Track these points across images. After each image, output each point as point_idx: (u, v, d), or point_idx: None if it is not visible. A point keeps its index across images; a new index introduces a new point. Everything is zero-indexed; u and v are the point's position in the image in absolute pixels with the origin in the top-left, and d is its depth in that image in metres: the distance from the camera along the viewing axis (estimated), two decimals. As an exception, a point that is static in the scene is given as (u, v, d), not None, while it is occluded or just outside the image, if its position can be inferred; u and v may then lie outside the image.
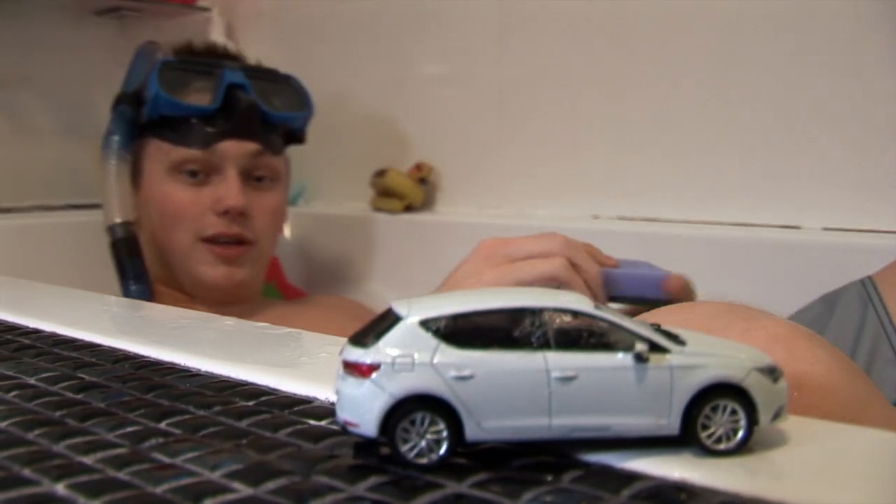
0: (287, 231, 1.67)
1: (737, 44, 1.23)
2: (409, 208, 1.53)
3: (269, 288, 1.53)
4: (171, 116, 1.22)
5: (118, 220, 1.20)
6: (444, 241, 1.47)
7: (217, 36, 1.73)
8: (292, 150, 1.38)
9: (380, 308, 1.27)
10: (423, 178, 1.54)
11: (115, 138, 1.23)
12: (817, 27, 1.17)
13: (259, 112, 1.24)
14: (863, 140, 1.15)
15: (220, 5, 1.79)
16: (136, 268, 1.20)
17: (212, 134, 1.22)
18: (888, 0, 1.11)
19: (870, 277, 0.94)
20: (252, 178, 1.26)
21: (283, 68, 1.35)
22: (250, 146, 1.24)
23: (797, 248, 1.15)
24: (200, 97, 1.23)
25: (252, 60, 1.41)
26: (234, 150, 1.23)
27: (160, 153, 1.24)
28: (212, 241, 1.23)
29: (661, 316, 0.60)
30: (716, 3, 1.25)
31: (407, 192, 1.52)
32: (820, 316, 0.94)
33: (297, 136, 1.36)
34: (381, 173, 1.53)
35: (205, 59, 1.30)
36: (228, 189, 1.22)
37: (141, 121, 1.23)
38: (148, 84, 1.22)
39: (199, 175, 1.23)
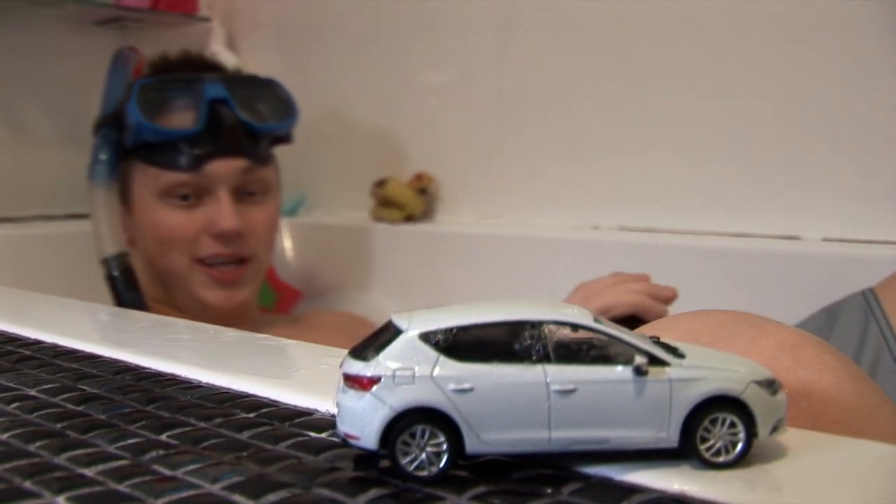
0: (288, 244, 1.67)
1: (737, 54, 1.24)
2: (409, 218, 1.53)
3: (263, 287, 1.53)
4: (155, 141, 1.20)
5: (112, 252, 1.20)
6: (445, 251, 1.47)
7: (218, 46, 1.73)
8: (292, 161, 1.38)
9: (379, 319, 1.28)
10: (424, 188, 1.54)
11: (101, 166, 1.22)
12: (817, 37, 1.17)
13: (244, 127, 1.22)
14: (862, 150, 1.15)
15: (220, 15, 1.79)
16: (135, 301, 1.19)
17: (199, 156, 1.20)
18: (888, 11, 1.12)
19: (871, 289, 0.94)
20: (244, 193, 1.25)
21: (284, 77, 1.35)
22: (239, 163, 1.22)
23: (797, 258, 1.15)
24: (183, 118, 1.21)
25: (250, 68, 1.40)
26: (223, 169, 1.21)
27: (148, 178, 1.23)
28: (209, 263, 1.23)
29: (668, 325, 0.60)
30: (716, 13, 1.25)
31: (407, 202, 1.52)
32: (822, 327, 0.94)
33: (283, 139, 1.33)
34: (381, 183, 1.54)
35: (183, 76, 1.26)
36: (221, 211, 1.21)
37: (125, 145, 1.22)
38: (128, 110, 1.20)
39: (191, 197, 1.22)
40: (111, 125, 1.23)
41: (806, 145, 1.19)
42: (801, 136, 1.19)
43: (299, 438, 0.42)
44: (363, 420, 0.36)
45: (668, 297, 1.03)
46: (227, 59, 1.61)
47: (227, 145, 1.21)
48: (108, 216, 1.21)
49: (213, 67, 1.34)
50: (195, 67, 1.31)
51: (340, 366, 0.38)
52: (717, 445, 0.37)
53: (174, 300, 1.26)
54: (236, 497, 0.35)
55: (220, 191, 1.21)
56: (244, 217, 1.23)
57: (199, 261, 1.23)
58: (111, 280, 1.19)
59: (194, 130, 1.19)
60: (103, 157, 1.22)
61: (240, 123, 1.21)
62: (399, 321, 0.37)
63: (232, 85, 1.23)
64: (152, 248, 1.25)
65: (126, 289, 1.19)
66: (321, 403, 0.48)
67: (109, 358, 0.60)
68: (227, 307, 1.24)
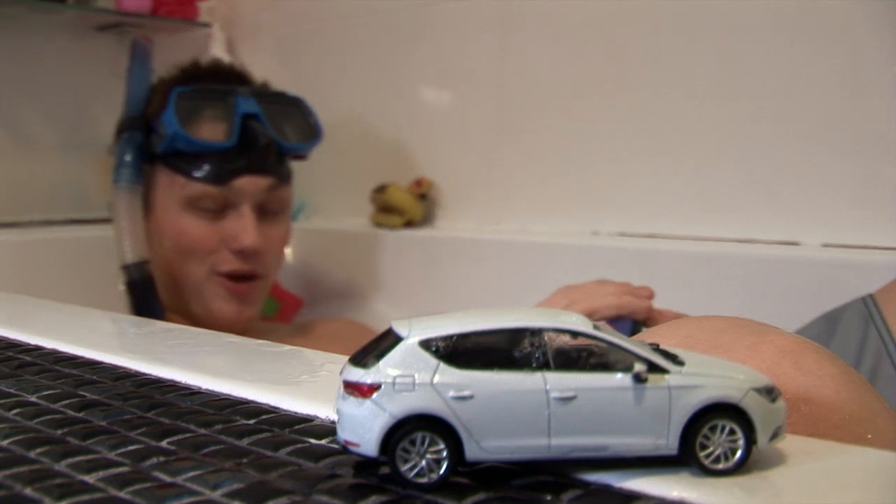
0: (288, 250, 1.67)
1: (737, 60, 1.24)
2: (409, 224, 1.54)
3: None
4: (186, 151, 1.21)
5: (133, 260, 1.19)
6: (444, 257, 1.47)
7: (217, 51, 1.74)
8: (291, 167, 1.38)
9: (379, 324, 1.28)
10: (423, 193, 1.54)
11: (127, 170, 1.21)
12: (817, 44, 1.17)
13: (276, 147, 1.23)
14: (862, 156, 1.15)
15: (220, 21, 1.79)
16: (153, 309, 1.19)
17: (228, 170, 1.21)
18: (888, 17, 1.12)
19: (871, 295, 0.94)
20: (264, 210, 1.25)
21: (283, 84, 1.36)
22: (266, 181, 1.23)
23: (796, 264, 1.15)
24: (215, 131, 1.21)
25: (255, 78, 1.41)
26: (250, 186, 1.22)
27: (175, 186, 1.23)
28: (225, 275, 1.23)
29: (669, 331, 0.60)
30: (715, 21, 1.25)
31: (407, 207, 1.52)
32: (821, 333, 0.94)
33: (300, 155, 1.35)
34: (381, 189, 1.54)
35: (217, 87, 1.26)
36: (244, 227, 1.21)
37: (153, 150, 1.22)
38: (164, 118, 1.20)
39: (215, 209, 1.22)
40: (137, 127, 1.23)
41: (806, 151, 1.19)
42: (800, 142, 1.19)
43: (299, 445, 0.42)
44: (363, 427, 0.36)
45: (647, 296, 1.03)
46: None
47: (258, 162, 1.22)
48: (132, 221, 1.21)
49: (243, 79, 1.34)
50: (226, 78, 1.31)
51: (341, 373, 0.38)
52: (717, 452, 0.37)
53: (186, 308, 1.26)
54: (236, 504, 0.35)
55: (244, 206, 1.22)
56: (263, 234, 1.24)
57: (216, 273, 1.23)
58: (130, 287, 1.19)
59: (228, 145, 1.20)
60: (128, 159, 1.22)
61: (273, 142, 1.22)
62: (399, 328, 0.37)
63: (263, 101, 1.24)
64: (170, 255, 1.25)
65: (146, 297, 1.19)
66: (321, 410, 0.48)
67: (109, 364, 0.60)
68: (237, 321, 1.25)
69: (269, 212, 1.26)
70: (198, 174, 1.21)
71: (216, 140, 1.21)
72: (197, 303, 1.25)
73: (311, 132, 1.31)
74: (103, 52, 1.72)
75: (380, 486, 0.36)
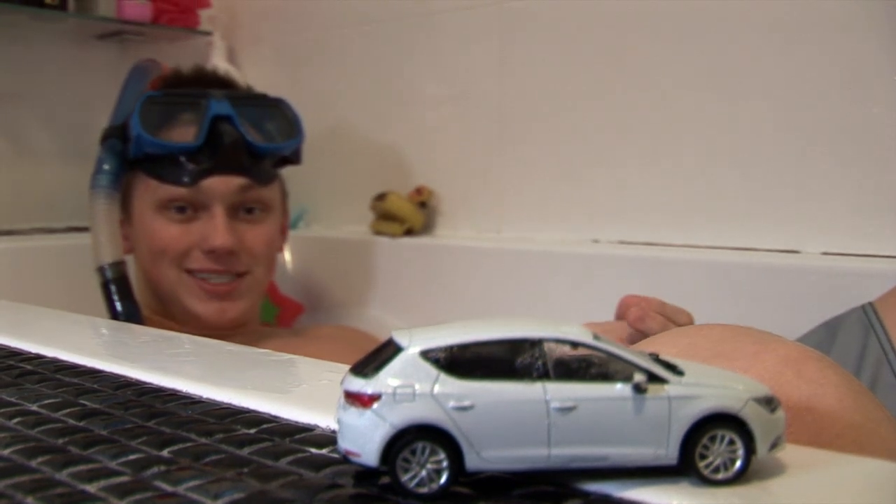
0: (288, 257, 1.67)
1: (737, 69, 1.24)
2: (409, 232, 1.54)
3: (264, 302, 1.53)
4: (156, 154, 1.21)
5: (108, 261, 1.19)
6: (444, 265, 1.47)
7: (218, 60, 1.74)
8: (292, 175, 1.38)
9: (379, 332, 1.27)
10: (424, 201, 1.54)
11: (104, 176, 1.22)
12: (817, 52, 1.17)
13: (245, 145, 1.21)
14: (862, 164, 1.15)
15: (221, 29, 1.80)
16: (128, 309, 1.19)
17: (197, 171, 1.20)
18: (889, 26, 1.12)
19: (871, 303, 0.94)
20: (242, 210, 1.25)
21: (284, 92, 1.35)
22: (237, 181, 1.22)
23: (796, 272, 1.15)
24: (184, 133, 1.21)
25: (250, 82, 1.41)
26: (220, 186, 1.21)
27: (148, 190, 1.23)
28: (200, 276, 1.23)
29: (669, 339, 0.60)
30: (716, 29, 1.26)
31: (407, 215, 1.52)
32: (821, 342, 0.94)
33: (291, 159, 1.33)
34: (381, 197, 1.54)
35: (190, 91, 1.26)
36: (215, 228, 1.21)
37: (128, 156, 1.22)
38: (131, 122, 1.20)
39: (188, 211, 1.22)
40: (117, 136, 1.23)
41: (806, 159, 1.19)
42: (801, 150, 1.20)
43: (300, 455, 0.42)
44: (364, 437, 0.36)
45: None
46: (231, 74, 1.61)
47: (226, 162, 1.20)
48: (107, 225, 1.21)
49: (224, 84, 1.34)
50: (205, 83, 1.31)
51: (341, 382, 0.38)
52: (716, 462, 0.37)
53: (168, 312, 1.26)
54: (237, 514, 0.36)
55: (215, 207, 1.21)
56: (240, 235, 1.23)
57: (189, 272, 1.23)
58: (105, 288, 1.19)
59: (194, 145, 1.19)
60: (106, 167, 1.22)
61: (241, 141, 1.20)
62: (400, 338, 0.38)
63: (238, 102, 1.23)
64: (146, 258, 1.25)
65: (120, 298, 1.19)
66: (322, 419, 0.48)
67: (110, 373, 0.60)
68: (219, 321, 1.23)
69: (248, 212, 1.25)
70: (168, 177, 1.21)
71: (184, 141, 1.20)
72: (176, 305, 1.25)
73: (291, 132, 1.30)
74: (104, 60, 1.72)
75: (380, 496, 0.36)
